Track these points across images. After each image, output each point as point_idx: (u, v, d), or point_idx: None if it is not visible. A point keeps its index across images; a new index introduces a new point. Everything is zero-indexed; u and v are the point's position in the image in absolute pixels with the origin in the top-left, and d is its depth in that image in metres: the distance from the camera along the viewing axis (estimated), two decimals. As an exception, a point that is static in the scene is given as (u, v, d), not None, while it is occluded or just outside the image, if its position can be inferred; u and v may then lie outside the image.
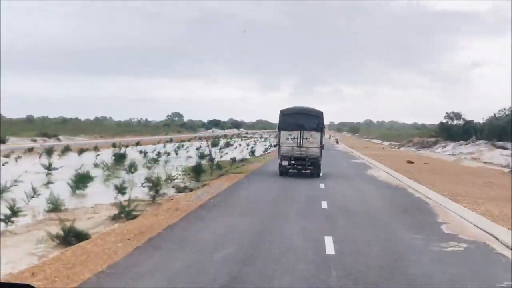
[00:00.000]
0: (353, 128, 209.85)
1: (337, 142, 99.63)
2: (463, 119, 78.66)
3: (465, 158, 49.80)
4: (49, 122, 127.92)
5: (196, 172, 25.85)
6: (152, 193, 20.06)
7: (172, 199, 18.90)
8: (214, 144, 74.47)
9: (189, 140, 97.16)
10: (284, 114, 28.39)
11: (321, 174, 28.00)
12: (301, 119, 27.87)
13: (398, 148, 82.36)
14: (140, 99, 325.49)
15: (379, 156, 50.53)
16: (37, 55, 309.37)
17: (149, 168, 34.06)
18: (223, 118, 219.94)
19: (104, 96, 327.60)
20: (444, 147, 64.53)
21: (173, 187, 23.10)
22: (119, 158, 40.71)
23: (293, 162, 27.66)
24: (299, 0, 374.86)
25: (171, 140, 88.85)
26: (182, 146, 68.65)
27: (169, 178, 26.34)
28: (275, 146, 79.51)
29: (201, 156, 38.37)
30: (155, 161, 40.72)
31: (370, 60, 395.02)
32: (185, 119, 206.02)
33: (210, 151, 31.18)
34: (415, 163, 41.21)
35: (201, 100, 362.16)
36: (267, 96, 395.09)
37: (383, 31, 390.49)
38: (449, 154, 56.58)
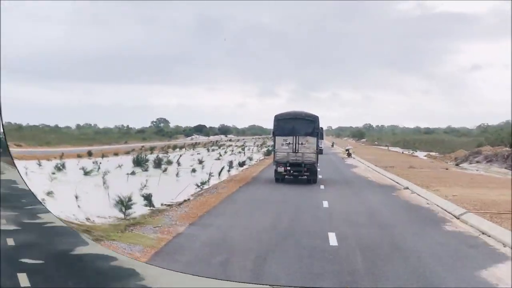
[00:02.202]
0: (356, 133, 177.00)
1: (349, 155, 64.76)
2: None
3: None
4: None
5: None
6: None
7: None
8: (139, 163, 41.63)
9: (129, 152, 65.23)
10: (279, 119, 28.04)
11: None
12: (296, 124, 27.68)
13: (456, 164, 49.46)
14: (137, 107, 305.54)
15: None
16: (28, 61, 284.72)
17: None
18: (217, 124, 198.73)
19: (99, 104, 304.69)
20: None
21: None
22: None
23: (289, 168, 27.54)
24: (297, 1, 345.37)
25: (89, 154, 57.31)
26: (64, 166, 36.46)
27: None
28: (241, 164, 46.74)
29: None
30: None
31: (368, 64, 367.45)
32: (172, 125, 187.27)
33: None
34: None
35: (199, 107, 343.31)
36: (265, 102, 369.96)
37: (382, 35, 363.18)
38: None
